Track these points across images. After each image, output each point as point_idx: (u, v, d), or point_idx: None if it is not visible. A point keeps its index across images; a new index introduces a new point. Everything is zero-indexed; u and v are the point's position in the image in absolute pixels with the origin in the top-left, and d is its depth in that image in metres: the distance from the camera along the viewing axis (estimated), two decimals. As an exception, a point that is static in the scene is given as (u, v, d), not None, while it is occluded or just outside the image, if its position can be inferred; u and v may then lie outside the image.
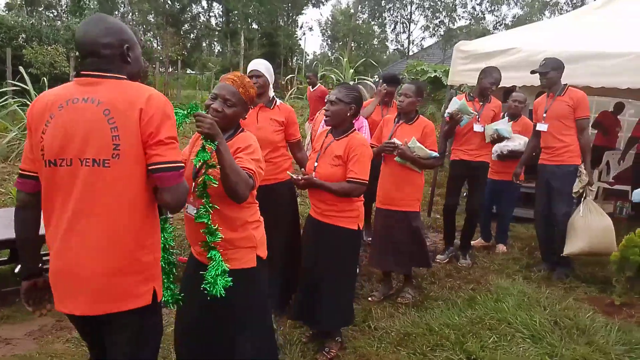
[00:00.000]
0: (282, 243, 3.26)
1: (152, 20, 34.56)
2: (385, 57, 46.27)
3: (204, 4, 43.03)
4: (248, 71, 3.29)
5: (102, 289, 1.52)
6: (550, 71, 4.14)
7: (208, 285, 1.85)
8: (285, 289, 3.39)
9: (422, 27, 44.34)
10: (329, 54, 48.80)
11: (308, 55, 49.05)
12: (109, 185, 1.50)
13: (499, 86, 4.65)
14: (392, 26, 45.80)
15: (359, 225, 2.90)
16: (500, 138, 4.40)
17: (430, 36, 41.56)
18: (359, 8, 42.62)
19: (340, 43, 40.56)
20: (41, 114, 1.55)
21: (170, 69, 24.10)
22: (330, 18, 51.88)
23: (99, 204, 1.50)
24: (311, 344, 3.05)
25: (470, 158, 4.51)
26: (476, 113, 4.36)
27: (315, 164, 2.86)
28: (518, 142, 4.82)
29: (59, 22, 18.12)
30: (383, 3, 42.79)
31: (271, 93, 3.33)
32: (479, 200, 4.63)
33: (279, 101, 3.37)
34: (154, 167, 1.51)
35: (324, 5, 46.29)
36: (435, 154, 3.53)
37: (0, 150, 7.24)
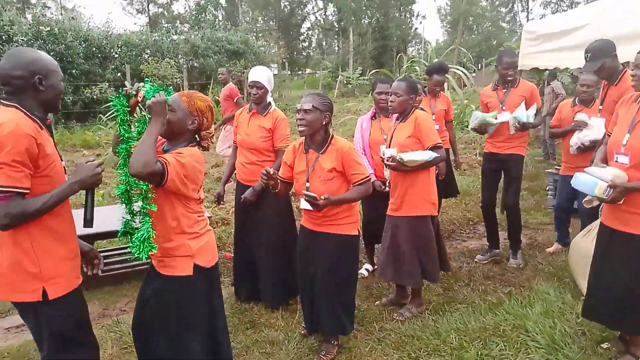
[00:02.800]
0: (272, 243, 3.39)
1: (263, 26, 36.43)
2: (507, 36, 43.28)
3: (320, 4, 44.25)
4: (248, 82, 3.47)
5: None
6: (605, 59, 3.50)
7: (134, 248, 2.05)
8: (280, 289, 3.53)
9: (543, 3, 40.48)
10: (449, 41, 47.13)
11: (429, 44, 48.03)
12: None
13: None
14: (510, 5, 42.67)
15: (358, 230, 2.92)
16: (523, 125, 4.03)
17: (552, 13, 37.84)
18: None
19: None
20: None
21: (283, 71, 25.34)
22: (447, 3, 50.06)
23: None
24: (308, 340, 3.14)
25: (499, 150, 4.25)
26: (498, 122, 4.11)
27: (308, 184, 2.83)
28: (600, 130, 4.22)
29: (182, 36, 20.00)
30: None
31: (268, 99, 3.48)
32: (515, 196, 4.28)
33: (273, 108, 3.50)
34: None
35: (437, -10, 44.56)
36: (430, 155, 3.17)
37: (109, 157, 8.34)
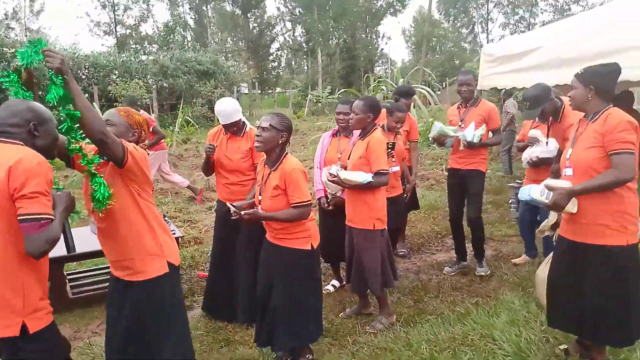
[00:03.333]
0: (253, 261, 3.45)
1: (232, 46, 36.65)
2: (469, 56, 44.83)
3: (288, 25, 44.83)
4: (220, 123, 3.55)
5: None
6: (543, 105, 3.80)
7: (95, 202, 2.12)
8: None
9: (502, 25, 42.12)
10: (414, 61, 48.40)
11: (395, 64, 49.50)
12: None
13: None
14: (470, 27, 44.32)
15: (312, 245, 2.97)
16: (470, 143, 4.23)
17: (511, 33, 39.42)
18: (436, 11, 41.90)
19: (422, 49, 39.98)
20: None
21: (253, 91, 25.49)
22: (411, 25, 51.55)
23: None
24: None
25: (460, 166, 4.45)
26: (456, 135, 4.30)
27: (260, 197, 2.95)
28: (548, 147, 4.46)
29: (150, 57, 19.95)
30: (458, 5, 41.60)
31: (241, 119, 3.56)
32: (476, 210, 4.46)
33: (248, 127, 3.59)
34: (19, 217, 1.79)
35: (401, 13, 45.85)
36: (364, 179, 3.28)
37: (78, 179, 8.23)
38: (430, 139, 4.52)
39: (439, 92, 15.20)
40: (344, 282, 4.15)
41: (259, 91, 28.15)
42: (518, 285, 4.21)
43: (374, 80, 12.93)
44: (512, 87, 6.27)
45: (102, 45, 37.76)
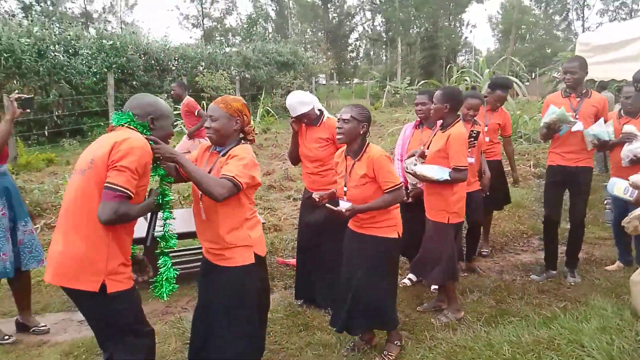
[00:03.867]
0: (332, 250, 3.50)
1: (311, 37, 36.99)
2: (562, 45, 41.92)
3: (368, 15, 44.50)
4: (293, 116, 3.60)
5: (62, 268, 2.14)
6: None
7: (155, 287, 2.29)
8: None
9: (599, 12, 38.83)
10: (500, 50, 46.31)
11: (480, 53, 47.60)
12: (81, 190, 2.14)
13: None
14: (564, 14, 41.37)
15: (398, 233, 2.99)
16: (603, 143, 3.90)
17: (610, 21, 36.32)
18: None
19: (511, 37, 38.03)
20: None
21: (331, 81, 25.66)
22: (498, 12, 49.18)
23: (72, 205, 2.17)
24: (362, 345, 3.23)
25: (568, 163, 4.04)
26: (575, 121, 3.92)
27: (345, 188, 2.98)
28: None
29: (233, 48, 20.72)
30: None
31: (317, 111, 3.60)
32: (583, 211, 4.15)
33: (325, 117, 3.63)
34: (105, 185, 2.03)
35: None
36: (441, 176, 3.23)
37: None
38: (543, 123, 4.07)
39: (527, 83, 14.39)
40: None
41: (337, 82, 28.27)
42: (611, 291, 3.94)
43: (457, 71, 12.48)
44: (610, 79, 5.83)
45: (190, 37, 39.69)
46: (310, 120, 3.58)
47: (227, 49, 19.79)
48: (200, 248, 5.14)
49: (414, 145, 3.95)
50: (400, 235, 3.01)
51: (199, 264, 4.47)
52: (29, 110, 3.29)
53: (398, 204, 2.99)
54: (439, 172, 3.24)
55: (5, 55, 11.77)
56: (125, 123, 2.20)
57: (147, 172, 2.16)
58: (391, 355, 3.07)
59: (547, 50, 39.60)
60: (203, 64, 17.37)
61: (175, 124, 7.90)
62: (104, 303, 2.13)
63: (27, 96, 3.22)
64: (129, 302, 2.21)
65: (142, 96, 2.31)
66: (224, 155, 2.45)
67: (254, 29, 31.27)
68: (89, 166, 2.08)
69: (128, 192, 2.02)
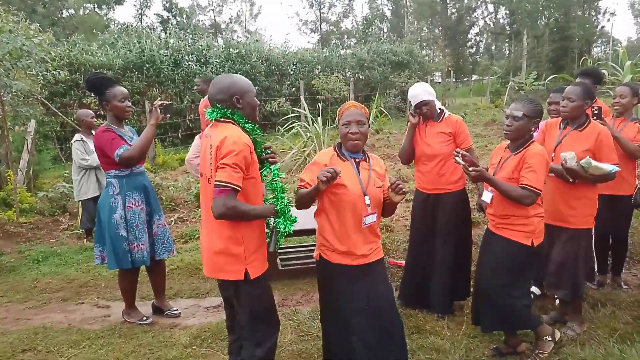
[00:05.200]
0: (448, 251, 3.39)
1: (427, 35, 36.14)
2: None
3: (490, 7, 42.45)
4: (413, 104, 3.52)
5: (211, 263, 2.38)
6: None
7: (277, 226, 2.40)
8: (449, 297, 3.52)
9: None
10: (645, 38, 41.40)
11: (619, 43, 42.77)
12: (212, 195, 2.25)
13: None
14: None
15: (533, 242, 2.82)
16: None
17: None
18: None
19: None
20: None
21: (447, 79, 24.90)
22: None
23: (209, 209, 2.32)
24: (476, 352, 3.10)
25: None
26: None
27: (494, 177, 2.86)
28: None
29: (348, 50, 21.04)
30: None
31: (438, 107, 3.51)
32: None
33: (447, 113, 3.52)
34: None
35: (631, -17, 39.21)
36: (613, 167, 2.97)
37: (285, 164, 9.16)
38: None
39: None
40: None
41: (454, 79, 27.29)
42: None
43: (592, 64, 11.34)
44: None
45: (308, 42, 41.15)
46: (431, 113, 3.50)
47: (343, 52, 20.12)
48: (311, 245, 5.33)
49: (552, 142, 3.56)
50: (535, 245, 2.84)
51: (312, 260, 4.69)
52: (169, 115, 3.64)
53: (542, 215, 2.86)
54: (610, 166, 3.02)
55: (147, 65, 13.24)
56: (219, 117, 2.34)
57: (252, 161, 2.28)
58: (543, 354, 2.96)
59: None
60: (319, 67, 17.88)
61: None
62: (247, 288, 2.35)
63: (168, 102, 3.58)
64: (266, 285, 2.44)
65: (220, 80, 2.37)
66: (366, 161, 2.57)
67: (369, 30, 31.47)
68: (212, 175, 2.26)
69: (230, 185, 2.16)
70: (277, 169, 2.47)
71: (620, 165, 3.71)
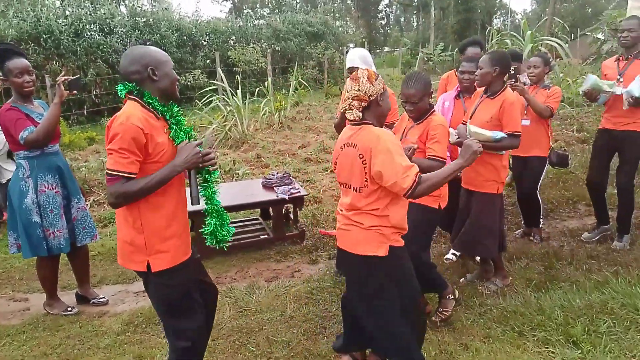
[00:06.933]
0: None
1: (340, 5, 36.28)
2: (605, 3, 39.56)
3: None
4: (347, 67, 3.56)
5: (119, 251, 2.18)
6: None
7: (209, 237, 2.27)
8: None
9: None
10: (539, 11, 44.53)
11: (517, 14, 45.73)
12: None
13: None
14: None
15: (440, 205, 2.97)
16: (638, 100, 3.70)
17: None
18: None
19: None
20: None
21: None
22: (534, -30, 46.94)
23: None
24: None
25: (615, 127, 3.97)
26: (612, 90, 3.80)
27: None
28: None
29: (262, 21, 20.57)
30: None
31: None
32: (628, 175, 4.01)
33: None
34: None
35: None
36: (496, 134, 3.12)
37: (205, 139, 8.89)
38: (580, 93, 4.05)
39: (566, 45, 13.78)
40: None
41: (368, 50, 27.84)
42: (665, 256, 3.84)
43: (497, 34, 11.94)
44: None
45: (221, 11, 39.67)
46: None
47: (257, 22, 19.66)
48: (245, 221, 5.26)
49: (459, 116, 3.82)
50: (442, 207, 2.99)
51: (246, 236, 4.66)
52: (75, 92, 3.33)
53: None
54: (495, 133, 3.14)
55: (44, 36, 12.06)
56: (127, 93, 2.10)
57: (150, 142, 2.01)
58: (447, 311, 3.08)
59: (588, 10, 37.69)
60: (234, 37, 17.36)
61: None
62: (152, 281, 2.17)
63: (73, 77, 3.27)
64: (177, 279, 2.18)
65: (133, 51, 2.11)
66: None
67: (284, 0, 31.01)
68: None
69: (118, 173, 1.97)
70: (215, 175, 2.29)
71: (532, 128, 4.02)
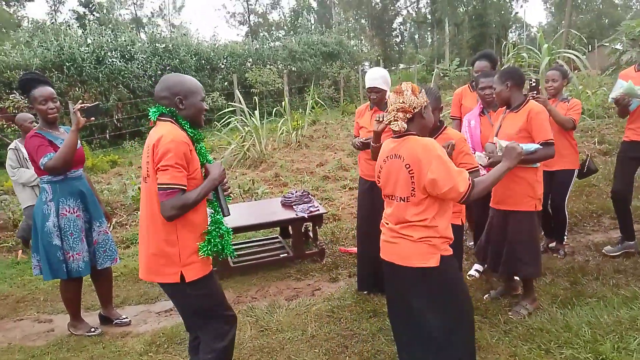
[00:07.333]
0: None
1: (354, 25, 36.67)
2: (621, 13, 39.09)
3: (412, -3, 43.63)
4: (366, 87, 3.58)
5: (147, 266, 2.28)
6: None
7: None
8: None
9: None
10: (554, 23, 44.36)
11: (532, 28, 45.53)
12: (147, 195, 2.22)
13: None
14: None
15: (462, 220, 2.97)
16: None
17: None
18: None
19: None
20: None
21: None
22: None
23: (144, 209, 2.27)
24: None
25: (639, 138, 3.90)
26: None
27: None
28: None
29: (277, 42, 20.91)
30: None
31: (386, 90, 3.56)
32: None
33: None
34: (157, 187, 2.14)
35: (539, -29, 41.80)
36: (531, 146, 3.03)
37: (225, 159, 9.00)
38: (610, 99, 3.94)
39: (584, 57, 13.66)
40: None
41: (383, 68, 28.01)
42: (696, 269, 3.72)
43: (513, 47, 11.90)
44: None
45: (237, 35, 40.51)
46: (380, 101, 3.56)
47: (273, 44, 19.98)
48: (265, 240, 5.27)
49: (487, 133, 3.71)
50: (462, 223, 3.00)
51: (265, 254, 4.67)
52: (93, 119, 3.35)
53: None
54: (529, 145, 3.03)
55: (67, 64, 12.45)
56: (159, 116, 2.25)
57: (191, 159, 2.20)
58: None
59: (605, 21, 37.39)
60: (250, 60, 17.66)
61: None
62: (186, 291, 2.26)
63: (90, 104, 3.29)
64: (208, 287, 2.32)
65: (167, 78, 2.29)
66: None
67: (298, 21, 31.44)
68: (147, 174, 2.19)
69: (177, 186, 2.11)
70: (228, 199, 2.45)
71: (556, 140, 3.93)
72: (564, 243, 4.36)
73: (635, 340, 2.83)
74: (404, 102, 2.26)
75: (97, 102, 3.48)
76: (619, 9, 39.96)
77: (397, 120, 2.28)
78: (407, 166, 2.23)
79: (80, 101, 3.32)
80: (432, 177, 2.16)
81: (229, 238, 2.37)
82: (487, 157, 3.08)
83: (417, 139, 2.27)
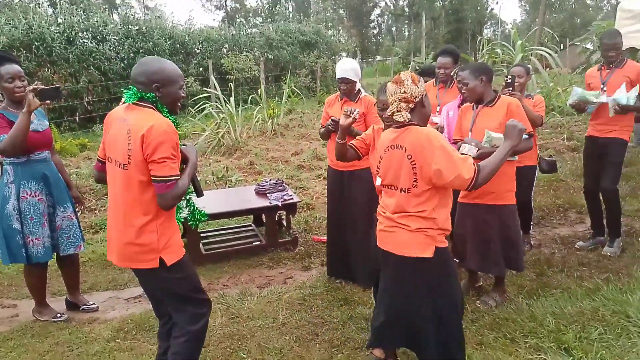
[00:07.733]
0: (363, 225, 3.50)
1: (332, 15, 36.56)
2: (593, 14, 40.04)
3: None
4: (337, 77, 3.58)
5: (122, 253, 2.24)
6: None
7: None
8: (369, 267, 3.65)
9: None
10: (528, 21, 45.16)
11: (507, 25, 46.29)
12: (125, 183, 2.14)
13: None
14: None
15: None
16: (624, 108, 3.80)
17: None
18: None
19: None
20: (108, 123, 2.26)
21: (355, 59, 25.39)
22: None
23: (120, 196, 2.19)
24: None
25: (599, 134, 4.08)
26: (599, 101, 3.91)
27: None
28: None
29: (254, 29, 20.66)
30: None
31: (357, 87, 3.61)
32: (612, 181, 4.05)
33: (362, 94, 3.62)
34: (153, 178, 2.08)
35: (515, -32, 42.45)
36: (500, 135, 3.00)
37: (199, 145, 8.88)
38: (569, 105, 4.20)
39: (556, 55, 13.94)
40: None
41: (360, 60, 27.97)
42: (655, 263, 3.87)
43: (488, 43, 12.01)
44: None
45: (214, 20, 39.85)
46: (349, 92, 3.58)
47: (250, 31, 19.74)
48: (238, 227, 5.24)
49: (466, 125, 3.57)
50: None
51: (238, 242, 4.64)
52: (48, 102, 3.08)
53: None
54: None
55: (36, 43, 12.01)
56: (138, 100, 2.16)
57: (178, 146, 2.18)
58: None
59: (577, 20, 38.27)
60: (227, 46, 17.40)
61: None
62: (164, 275, 2.24)
63: (49, 87, 3.05)
64: (185, 270, 2.30)
65: (147, 62, 2.18)
66: None
67: (276, 8, 31.12)
68: (128, 161, 2.10)
69: (175, 177, 2.10)
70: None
71: None
72: (529, 234, 4.47)
73: (597, 330, 2.93)
74: (405, 91, 2.25)
75: (57, 85, 3.25)
76: (590, 9, 40.95)
77: (400, 111, 2.26)
78: (409, 157, 2.23)
79: (36, 82, 3.13)
80: (437, 168, 2.16)
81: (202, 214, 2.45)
82: (477, 149, 3.05)
83: (419, 129, 2.25)
